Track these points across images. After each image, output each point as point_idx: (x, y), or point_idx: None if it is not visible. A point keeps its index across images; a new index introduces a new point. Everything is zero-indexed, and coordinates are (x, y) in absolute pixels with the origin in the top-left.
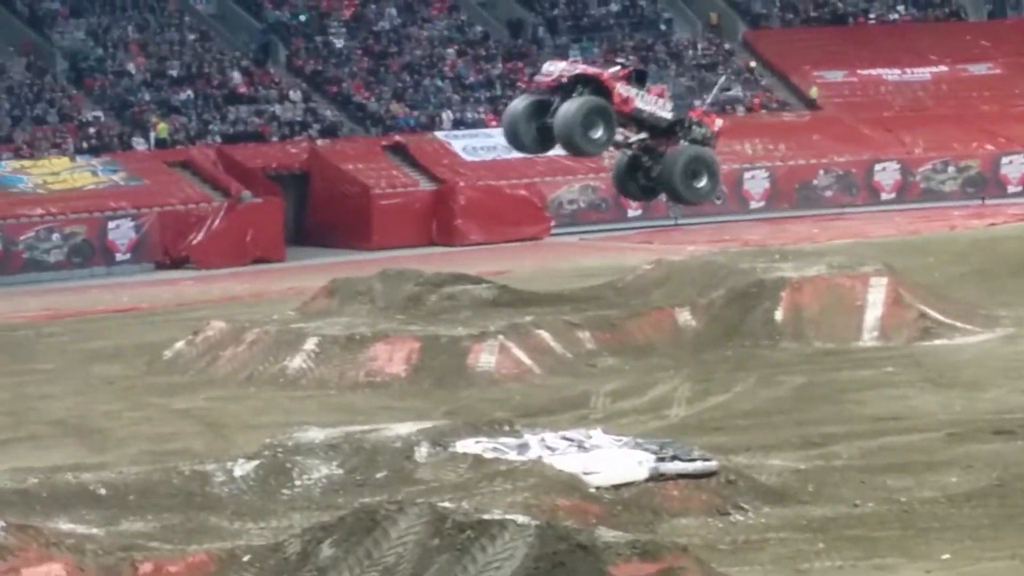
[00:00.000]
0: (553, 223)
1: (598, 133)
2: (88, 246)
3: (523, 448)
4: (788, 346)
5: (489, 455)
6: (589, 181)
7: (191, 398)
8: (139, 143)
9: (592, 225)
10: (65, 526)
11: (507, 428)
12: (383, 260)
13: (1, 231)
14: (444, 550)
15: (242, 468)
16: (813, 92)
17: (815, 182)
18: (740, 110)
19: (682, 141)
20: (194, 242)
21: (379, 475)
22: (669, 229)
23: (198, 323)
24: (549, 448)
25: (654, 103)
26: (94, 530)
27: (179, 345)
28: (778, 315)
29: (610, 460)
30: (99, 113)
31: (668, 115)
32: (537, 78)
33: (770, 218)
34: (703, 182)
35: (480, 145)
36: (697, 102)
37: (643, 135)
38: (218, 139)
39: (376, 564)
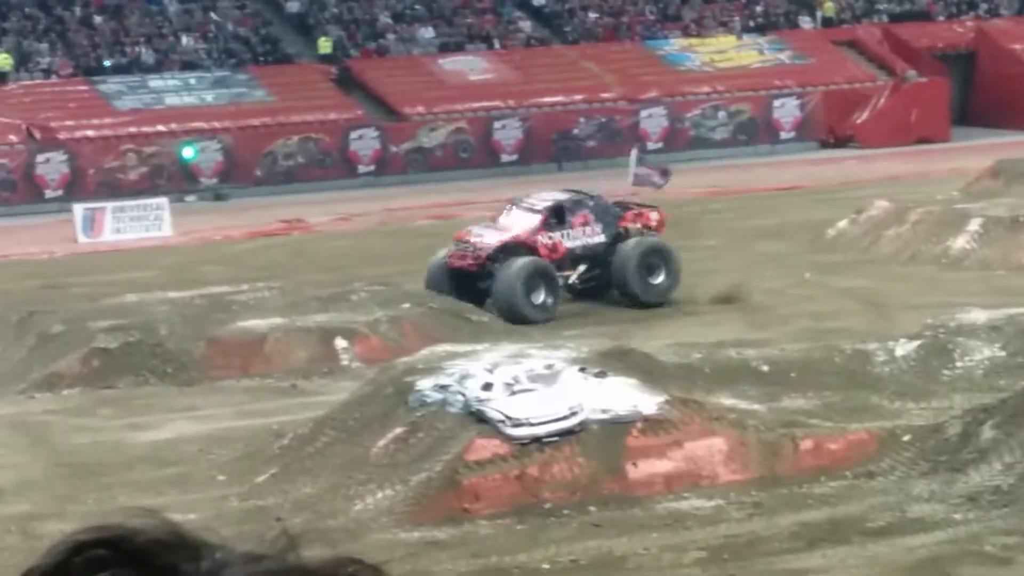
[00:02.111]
0: None
1: (541, 297)
2: (753, 124)
3: None
4: None
5: None
6: None
7: (853, 276)
8: (805, 22)
9: None
10: (727, 401)
11: None
12: None
13: (668, 108)
14: None
15: (903, 348)
16: None
17: None
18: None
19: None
20: (858, 121)
21: None
22: None
23: (861, 202)
24: None
25: (582, 235)
26: (755, 406)
27: (842, 224)
28: None
29: None
30: None
31: (601, 238)
32: (451, 259)
33: None
34: (660, 278)
35: None
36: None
37: (582, 268)
38: (884, 18)
39: None
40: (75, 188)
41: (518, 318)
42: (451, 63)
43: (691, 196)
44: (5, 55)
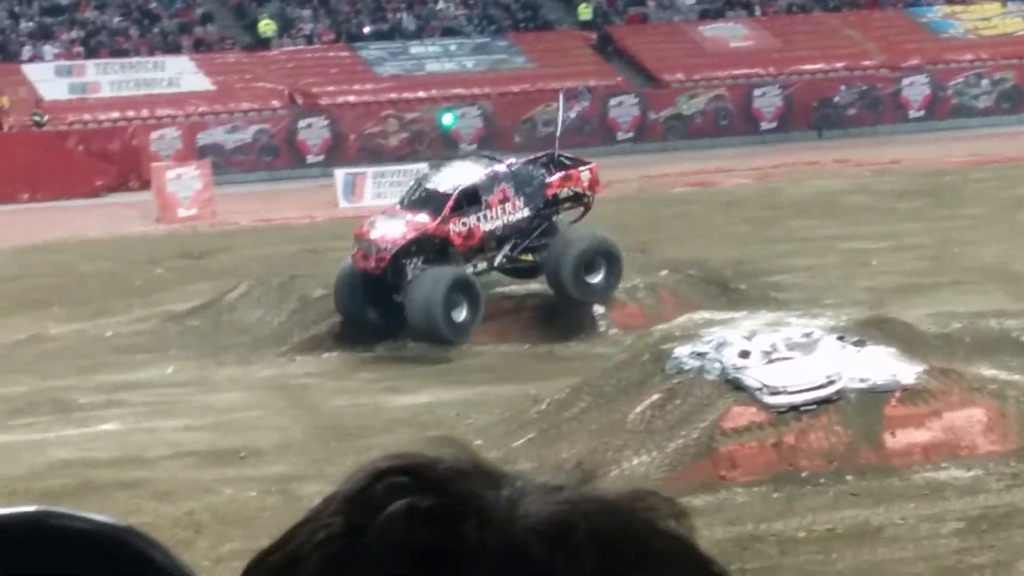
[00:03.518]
0: None
1: (462, 315)
2: (1017, 92)
3: None
4: None
5: None
6: None
7: None
8: None
9: None
10: (987, 371)
11: None
12: None
13: (930, 76)
14: None
15: None
16: None
17: None
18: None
19: (559, 220)
20: None
21: None
22: None
23: None
24: None
25: (501, 213)
26: (1016, 377)
27: None
28: None
29: None
30: None
31: (525, 212)
32: (354, 259)
33: None
34: (599, 278)
35: None
36: (550, 177)
37: (507, 247)
38: None
39: None
40: (336, 153)
41: (436, 340)
42: (711, 30)
43: (953, 165)
44: (268, 21)
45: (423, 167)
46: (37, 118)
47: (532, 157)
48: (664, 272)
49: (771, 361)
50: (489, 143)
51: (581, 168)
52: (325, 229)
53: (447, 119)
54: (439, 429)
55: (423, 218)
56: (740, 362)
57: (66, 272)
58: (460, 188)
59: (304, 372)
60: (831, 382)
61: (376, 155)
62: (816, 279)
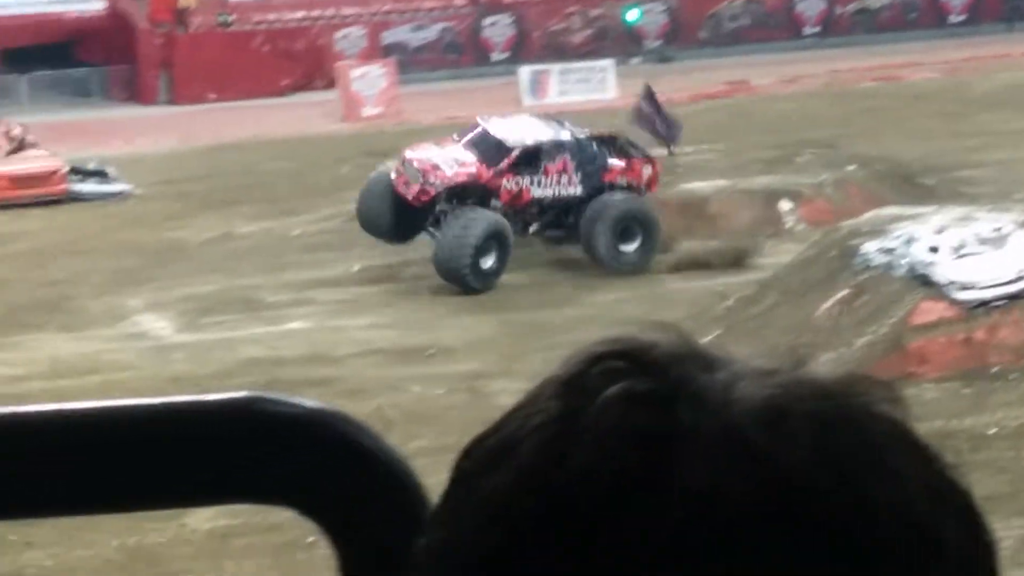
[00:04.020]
0: None
1: (489, 262)
2: None
3: None
4: None
5: None
6: None
7: None
8: None
9: None
10: None
11: None
12: None
13: None
14: None
15: None
16: None
17: None
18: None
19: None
20: None
21: None
22: None
23: None
24: None
25: (556, 183)
26: None
27: None
28: None
29: None
30: None
31: (577, 191)
32: (397, 182)
33: None
34: (634, 246)
35: None
36: (612, 160)
37: (547, 218)
38: None
39: None
40: (520, 51)
41: (457, 283)
42: None
43: None
44: None
45: (606, 63)
46: (223, 18)
47: (600, 134)
48: (852, 167)
49: (960, 256)
50: (674, 39)
51: (644, 163)
52: None
53: (632, 15)
54: (627, 325)
55: (478, 164)
56: (929, 257)
57: (253, 171)
58: (524, 146)
59: None
60: (1022, 277)
61: (560, 52)
62: (1007, 173)
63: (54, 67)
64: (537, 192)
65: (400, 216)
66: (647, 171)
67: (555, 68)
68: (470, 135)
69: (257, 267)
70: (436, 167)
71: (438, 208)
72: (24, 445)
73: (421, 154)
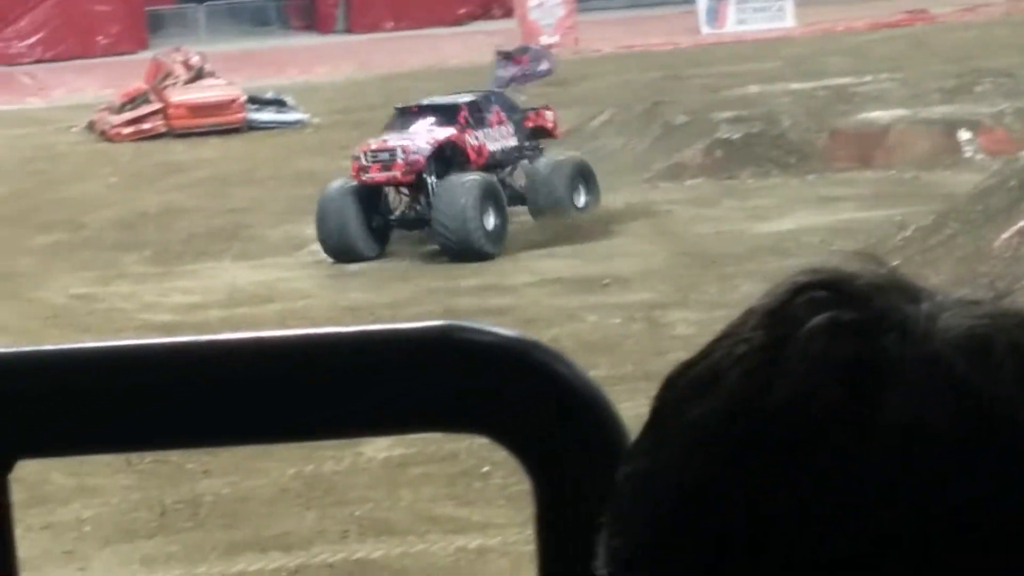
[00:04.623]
0: None
1: (491, 222)
2: None
3: None
4: None
5: None
6: None
7: None
8: None
9: None
10: None
11: None
12: None
13: None
14: None
15: None
16: None
17: None
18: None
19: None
20: None
21: None
22: None
23: None
24: None
25: (501, 136)
26: None
27: None
28: None
29: None
30: None
31: (514, 140)
32: (369, 173)
33: None
34: (583, 199)
35: None
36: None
37: (503, 174)
38: None
39: None
40: None
41: (470, 253)
42: None
43: None
44: None
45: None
46: None
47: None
48: None
49: None
50: None
51: (544, 108)
52: (688, 56)
53: None
54: (802, 256)
55: (440, 131)
56: None
57: None
58: (465, 100)
59: (667, 199)
60: None
61: None
62: None
63: None
64: (491, 145)
65: (370, 222)
66: (550, 116)
67: None
68: (405, 116)
69: None
70: (410, 141)
71: (426, 182)
72: (222, 373)
73: (384, 140)
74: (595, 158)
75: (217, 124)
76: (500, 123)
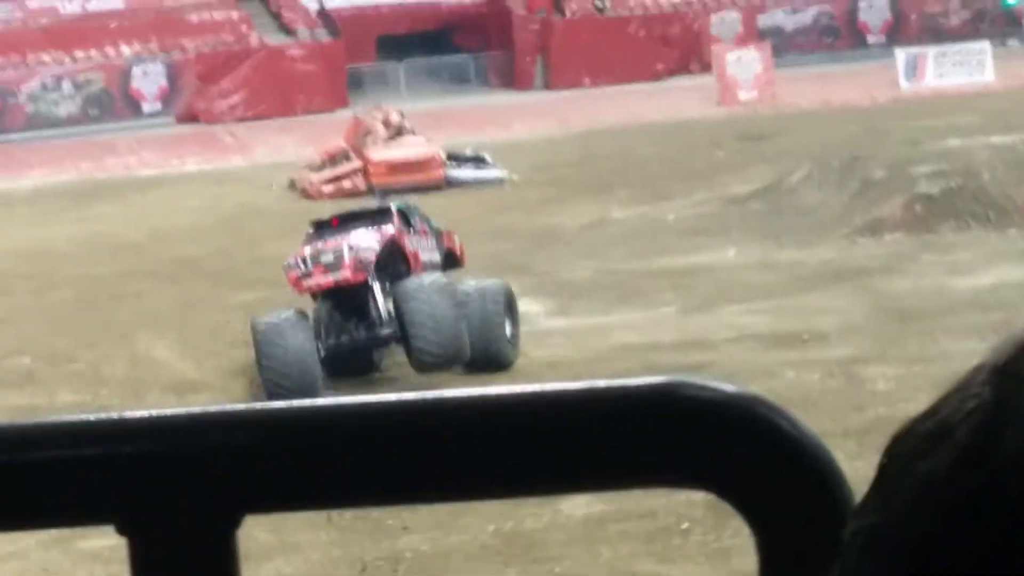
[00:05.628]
0: None
1: (509, 329)
2: None
3: None
4: None
5: None
6: None
7: None
8: None
9: None
10: None
11: None
12: None
13: None
14: None
15: None
16: None
17: None
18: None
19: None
20: None
21: None
22: None
23: None
24: None
25: (427, 248)
26: None
27: None
28: None
29: None
30: None
31: (436, 256)
32: (312, 277)
33: None
34: (510, 330)
35: None
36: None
37: None
38: None
39: None
40: (897, 33)
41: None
42: None
43: None
44: None
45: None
46: (599, 4)
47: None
48: None
49: None
50: None
51: (448, 232)
52: (886, 110)
53: None
54: (1004, 311)
55: (377, 235)
56: None
57: (628, 156)
58: (399, 207)
59: (866, 254)
60: None
61: (937, 34)
62: None
63: (430, 54)
64: (423, 256)
65: (328, 343)
66: (457, 239)
67: (931, 51)
68: (323, 230)
69: (631, 252)
70: (354, 242)
71: (373, 291)
72: (446, 429)
73: (321, 244)
74: (793, 213)
75: (417, 182)
76: (424, 235)
